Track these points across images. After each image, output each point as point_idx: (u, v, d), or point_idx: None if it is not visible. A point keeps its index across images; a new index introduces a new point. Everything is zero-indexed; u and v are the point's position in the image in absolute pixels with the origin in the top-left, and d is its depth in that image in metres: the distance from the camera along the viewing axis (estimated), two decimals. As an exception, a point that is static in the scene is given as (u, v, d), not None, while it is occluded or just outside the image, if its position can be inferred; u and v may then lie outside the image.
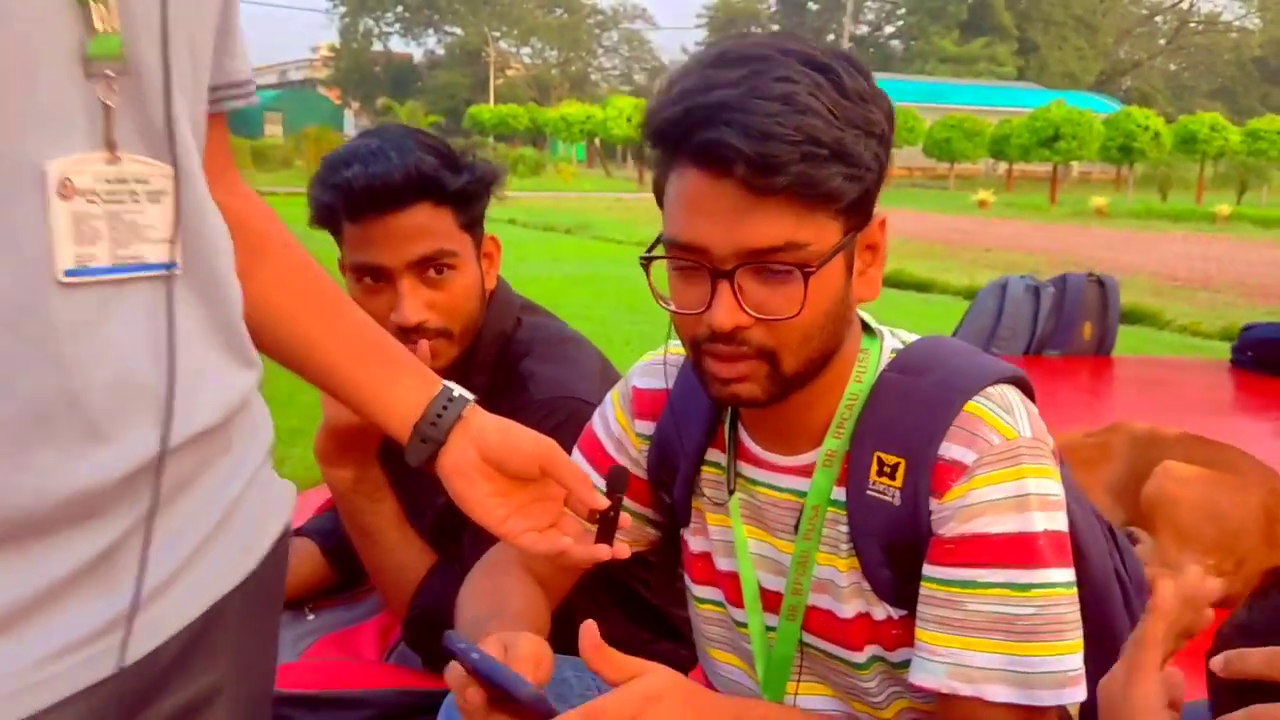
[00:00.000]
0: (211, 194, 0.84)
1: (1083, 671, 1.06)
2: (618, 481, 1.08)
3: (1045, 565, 1.04)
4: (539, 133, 45.10)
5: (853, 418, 1.13)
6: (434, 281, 1.50)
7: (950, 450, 1.06)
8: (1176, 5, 79.88)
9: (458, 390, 1.07)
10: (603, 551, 1.04)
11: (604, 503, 1.04)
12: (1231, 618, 0.93)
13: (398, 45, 75.15)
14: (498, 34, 69.04)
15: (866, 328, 1.17)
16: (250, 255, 0.93)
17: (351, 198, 1.45)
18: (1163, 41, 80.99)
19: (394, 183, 1.44)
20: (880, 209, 1.09)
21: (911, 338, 1.19)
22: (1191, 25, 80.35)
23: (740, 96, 0.96)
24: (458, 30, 70.75)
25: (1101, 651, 1.18)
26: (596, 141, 39.12)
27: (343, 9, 69.33)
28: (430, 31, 73.49)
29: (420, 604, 1.51)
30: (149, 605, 0.77)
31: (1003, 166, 37.04)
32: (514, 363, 1.58)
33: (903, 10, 75.74)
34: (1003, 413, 1.07)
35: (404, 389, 1.05)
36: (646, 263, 1.09)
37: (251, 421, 0.91)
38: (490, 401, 1.59)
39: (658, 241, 1.09)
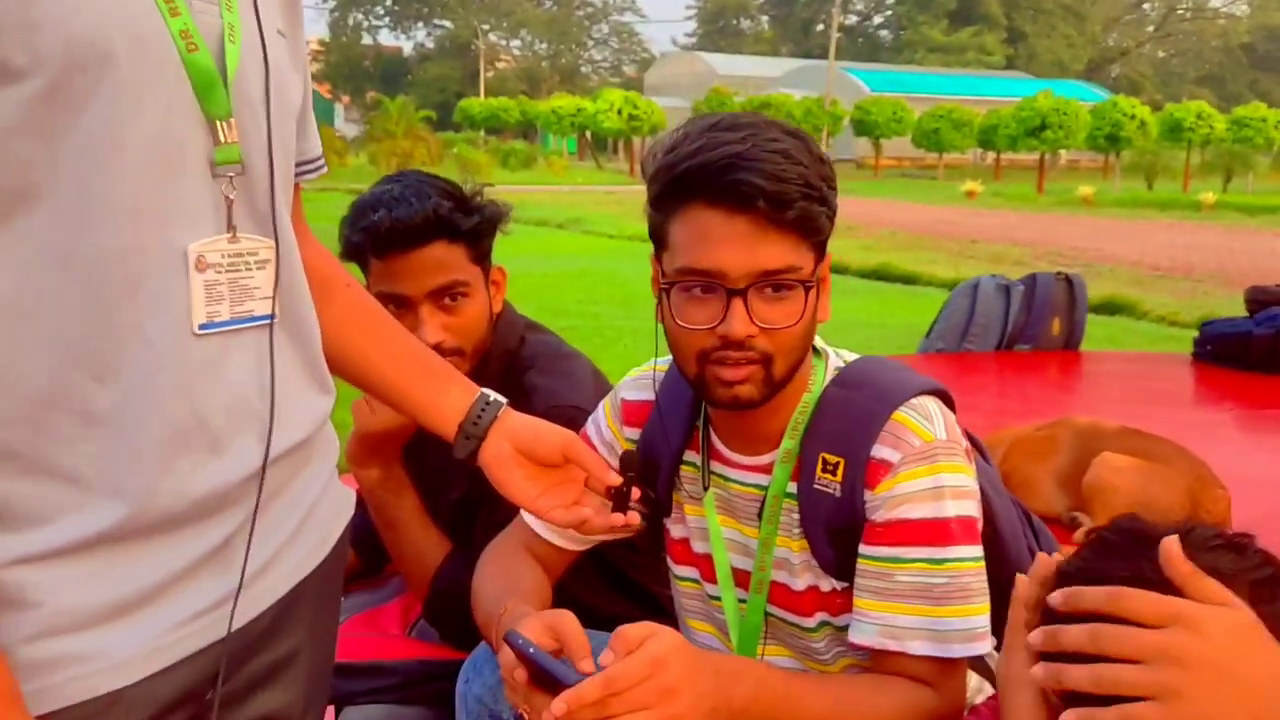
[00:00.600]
0: None
1: (988, 629, 1.30)
2: (629, 462, 1.29)
3: (956, 543, 1.28)
4: (530, 126, 45.15)
5: (804, 422, 1.36)
6: (449, 308, 1.73)
7: (880, 451, 1.30)
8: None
9: (493, 396, 1.29)
10: (618, 519, 1.25)
11: (618, 480, 1.26)
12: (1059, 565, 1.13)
13: (387, 39, 75.17)
14: (487, 26, 69.00)
15: (814, 348, 1.41)
16: (319, 295, 1.16)
17: (378, 238, 1.68)
18: (1151, 29, 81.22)
19: (414, 225, 1.67)
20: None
21: (851, 357, 1.43)
22: (1179, 12, 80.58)
23: (750, 150, 1.21)
24: (447, 23, 70.79)
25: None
26: (587, 134, 39.23)
27: (332, 3, 69.34)
28: (420, 25, 73.53)
29: (438, 585, 1.74)
30: (250, 585, 1.00)
31: (991, 156, 37.23)
32: (519, 376, 1.80)
33: (891, 0, 75.88)
34: (923, 420, 1.31)
35: (450, 397, 1.27)
36: (667, 290, 1.31)
37: (326, 439, 1.14)
38: (498, 410, 1.83)
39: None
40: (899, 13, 74.24)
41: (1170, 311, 8.79)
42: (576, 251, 12.58)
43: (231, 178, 0.94)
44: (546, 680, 1.13)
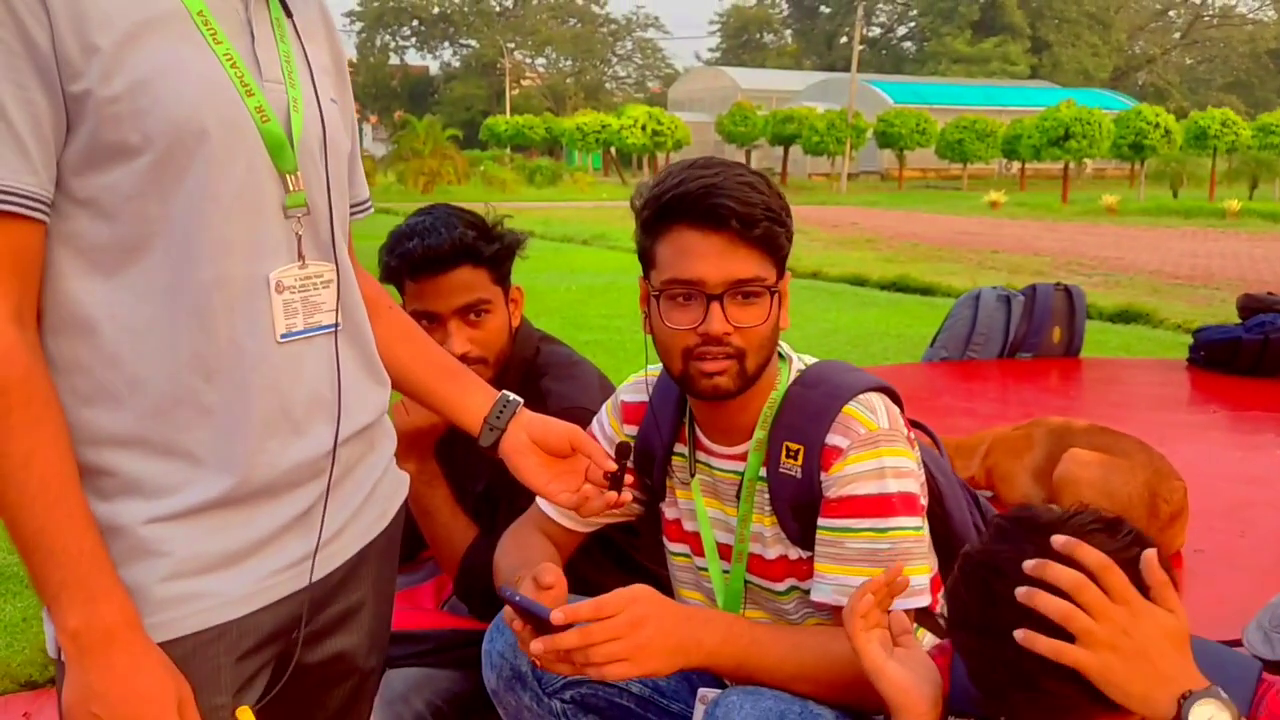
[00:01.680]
0: None
1: (927, 588, 1.54)
2: (623, 451, 1.54)
3: (897, 514, 1.53)
4: (555, 143, 45.42)
5: (772, 416, 1.61)
6: (474, 323, 2.00)
7: (833, 438, 1.56)
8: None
9: (512, 397, 1.55)
10: (612, 498, 1.51)
11: (614, 466, 1.52)
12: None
13: (414, 58, 75.90)
14: (512, 45, 69.54)
15: (779, 353, 1.66)
16: (369, 314, 1.43)
17: (413, 263, 1.95)
18: (1177, 35, 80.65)
19: (444, 252, 1.94)
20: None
21: (811, 360, 1.68)
22: (1205, 18, 80.00)
23: (723, 181, 1.49)
24: (473, 43, 71.39)
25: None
26: (612, 150, 39.54)
27: (360, 24, 70.20)
28: (446, 44, 74.15)
29: (466, 565, 2.00)
30: (326, 545, 1.27)
31: (1016, 166, 37.23)
32: (535, 381, 2.06)
33: (914, 11, 75.80)
34: (868, 412, 1.56)
35: (475, 397, 1.54)
36: (656, 298, 1.57)
37: (384, 429, 1.41)
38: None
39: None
40: (922, 24, 74.17)
41: (1185, 319, 8.82)
42: (600, 267, 12.77)
43: (299, 218, 1.21)
44: (537, 623, 1.39)
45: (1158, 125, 30.45)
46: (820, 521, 1.56)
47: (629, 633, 1.37)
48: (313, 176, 1.23)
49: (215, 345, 1.14)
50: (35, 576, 1.07)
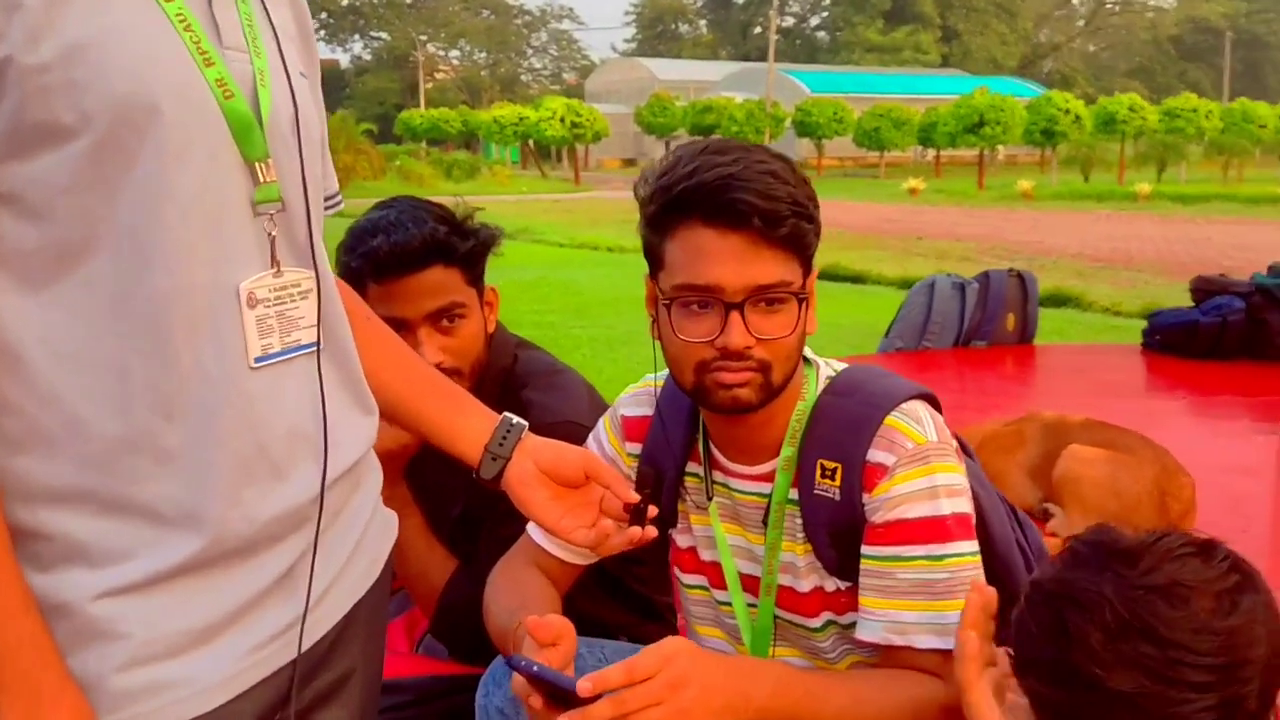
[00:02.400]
0: None
1: None
2: (646, 480, 1.35)
3: (953, 539, 1.35)
4: (472, 136, 44.97)
5: (801, 430, 1.43)
6: (447, 329, 1.77)
7: (875, 455, 1.37)
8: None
9: (515, 419, 1.34)
10: (635, 534, 1.31)
11: (636, 497, 1.32)
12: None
13: (323, 52, 74.03)
14: (425, 37, 68.63)
15: (805, 358, 1.47)
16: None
17: (377, 263, 1.72)
18: (1081, 23, 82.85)
19: (413, 249, 1.71)
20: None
21: (840, 365, 1.50)
22: (1108, 6, 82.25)
23: (743, 171, 1.28)
24: (384, 35, 70.33)
25: (1007, 609, 1.50)
26: (530, 143, 39.16)
27: (266, 17, 68.49)
28: (356, 37, 72.96)
29: (446, 603, 1.78)
30: (315, 607, 1.05)
31: (931, 153, 37.76)
32: (515, 393, 1.85)
33: (827, 2, 76.64)
34: (914, 423, 1.38)
35: (474, 421, 1.33)
36: (667, 306, 1.36)
37: (370, 463, 1.19)
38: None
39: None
40: (835, 14, 74.99)
41: (1114, 302, 9.03)
42: (526, 261, 12.54)
43: (272, 215, 0.99)
44: (558, 694, 1.17)
45: (1068, 111, 31.17)
46: (865, 549, 1.38)
47: (670, 696, 1.16)
48: (285, 165, 1.01)
49: (175, 374, 0.91)
50: None
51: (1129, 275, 11.58)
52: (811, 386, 1.45)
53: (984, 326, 5.78)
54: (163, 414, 0.91)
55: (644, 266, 1.43)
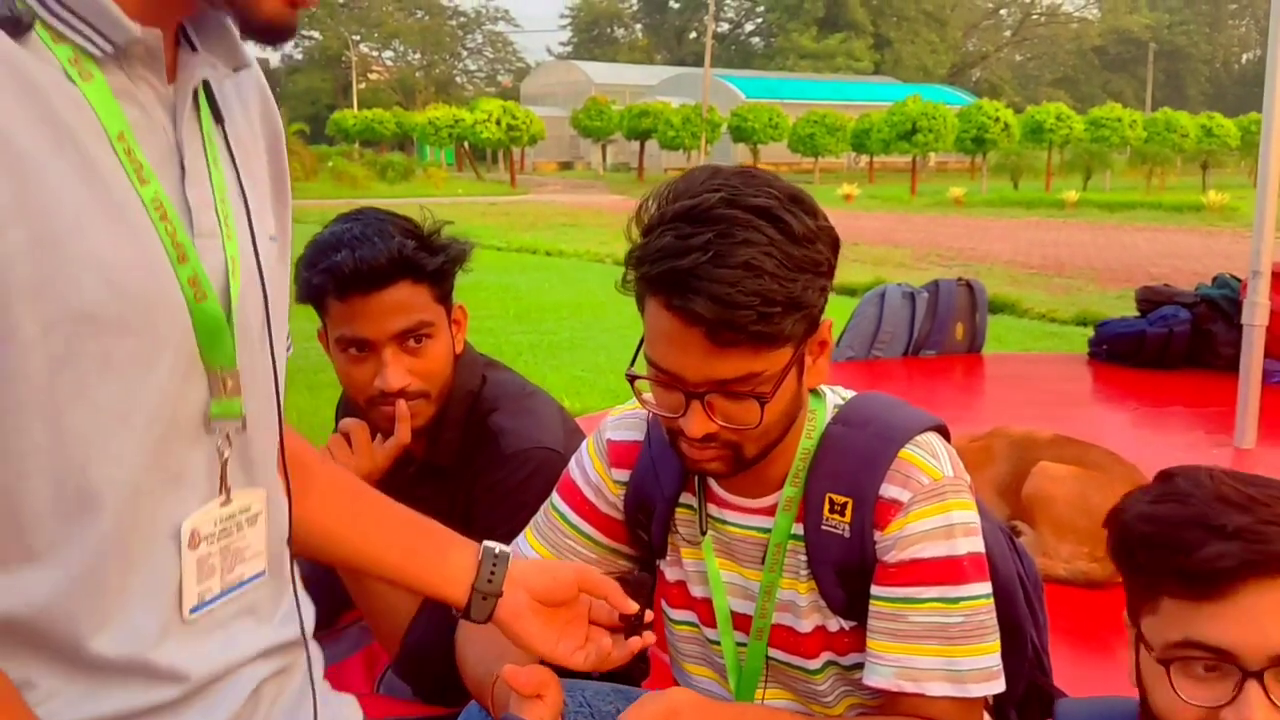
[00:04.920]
0: None
1: (1001, 666, 1.30)
2: (638, 587, 1.26)
3: (969, 581, 1.27)
4: (406, 137, 44.49)
5: (805, 469, 1.34)
6: (414, 350, 1.66)
7: (889, 490, 1.29)
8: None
9: (498, 547, 1.24)
10: (636, 644, 1.24)
11: (634, 608, 1.24)
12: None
13: (253, 50, 73.13)
14: (358, 37, 67.77)
15: (813, 390, 1.38)
16: (299, 484, 1.09)
17: (341, 279, 1.60)
18: (1008, 33, 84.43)
19: (379, 265, 1.60)
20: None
21: (849, 394, 1.41)
22: (1034, 17, 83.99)
23: (708, 264, 1.14)
24: (315, 34, 69.17)
25: (1009, 643, 1.42)
26: (466, 145, 38.84)
27: (193, 13, 67.17)
28: (287, 36, 71.69)
29: (412, 640, 1.67)
30: None
31: (864, 159, 38.16)
32: (482, 418, 1.74)
33: (761, 8, 77.16)
34: (929, 457, 1.30)
35: (454, 561, 1.21)
36: (632, 379, 1.28)
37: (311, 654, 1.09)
38: (464, 456, 1.76)
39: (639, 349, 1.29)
40: (770, 20, 75.48)
41: (1050, 309, 9.18)
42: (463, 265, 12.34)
43: (229, 434, 0.88)
44: None
45: (998, 120, 31.74)
46: (875, 590, 1.30)
47: None
48: (252, 375, 0.90)
49: (101, 618, 0.81)
50: None
51: (1062, 282, 11.77)
52: (820, 419, 1.37)
53: (934, 336, 5.77)
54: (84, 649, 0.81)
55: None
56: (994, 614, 1.30)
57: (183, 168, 0.86)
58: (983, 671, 1.27)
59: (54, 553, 0.78)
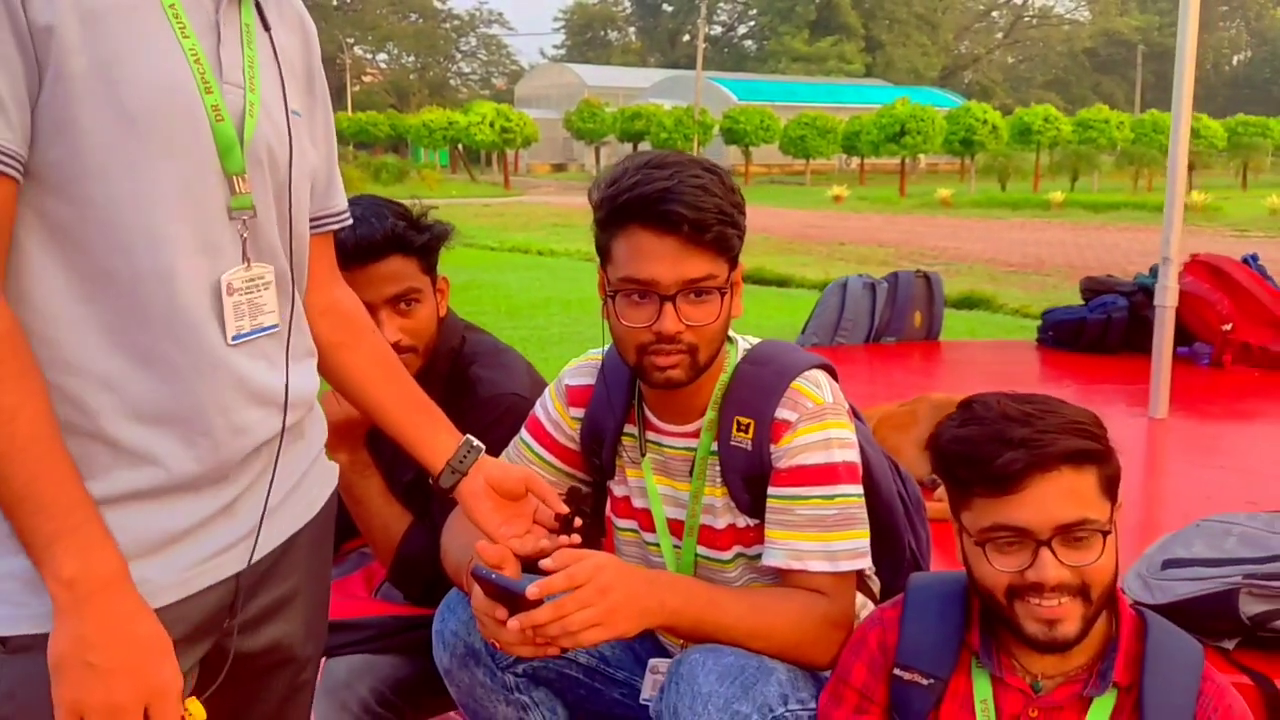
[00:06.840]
0: (323, 291, 1.42)
1: (868, 549, 1.65)
2: (576, 496, 1.58)
3: (843, 482, 1.62)
4: (400, 140, 44.62)
5: (721, 395, 1.69)
6: (405, 312, 2.00)
7: (781, 412, 1.64)
8: (1011, 0, 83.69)
9: (475, 441, 1.57)
10: (564, 541, 1.55)
11: (565, 509, 1.56)
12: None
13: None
14: (352, 40, 67.96)
15: (728, 337, 1.73)
16: (350, 335, 1.47)
17: (344, 253, 1.93)
18: (1000, 36, 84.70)
19: (376, 242, 1.94)
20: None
21: (754, 340, 1.76)
22: (1026, 19, 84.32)
23: (676, 186, 1.53)
24: (311, 37, 69.20)
25: (888, 548, 1.79)
26: (459, 147, 39.10)
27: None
28: (282, 38, 71.65)
29: (403, 552, 2.00)
30: (265, 526, 1.28)
31: (855, 161, 38.41)
32: (464, 370, 2.08)
33: (754, 11, 77.42)
34: (814, 387, 1.66)
35: (441, 439, 1.55)
36: (612, 296, 1.62)
37: (315, 415, 1.43)
38: (447, 401, 2.10)
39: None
40: (762, 23, 75.71)
41: (1022, 304, 9.41)
42: (458, 264, 12.54)
43: (244, 220, 1.22)
44: (510, 601, 1.43)
45: (986, 122, 32.02)
46: (771, 490, 1.64)
47: (599, 599, 1.42)
48: (259, 181, 1.23)
49: (161, 341, 1.14)
50: (24, 529, 1.06)
51: (1039, 279, 12.00)
52: (732, 358, 1.72)
53: (893, 324, 6.15)
54: (143, 365, 1.14)
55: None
56: (864, 509, 1.65)
57: (219, 36, 1.19)
58: (852, 551, 1.62)
59: (113, 285, 1.11)
